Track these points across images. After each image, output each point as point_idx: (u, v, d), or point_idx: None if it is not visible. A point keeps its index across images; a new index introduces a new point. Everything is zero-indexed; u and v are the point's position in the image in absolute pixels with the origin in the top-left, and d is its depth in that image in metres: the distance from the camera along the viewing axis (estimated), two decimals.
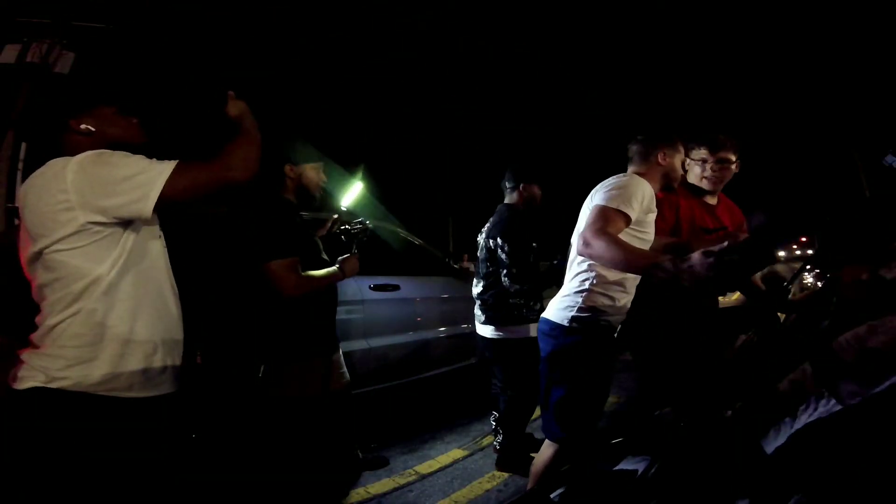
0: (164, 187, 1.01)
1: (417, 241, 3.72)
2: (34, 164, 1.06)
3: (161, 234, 1.17)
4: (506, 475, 2.37)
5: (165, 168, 1.03)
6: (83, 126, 1.08)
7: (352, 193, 2.02)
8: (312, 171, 1.70)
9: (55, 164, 1.00)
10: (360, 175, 2.02)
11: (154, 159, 1.05)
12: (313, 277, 1.56)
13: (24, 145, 3.85)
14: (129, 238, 1.04)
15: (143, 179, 1.01)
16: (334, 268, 1.66)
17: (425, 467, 2.50)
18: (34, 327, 1.03)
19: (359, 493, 2.24)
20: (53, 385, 0.95)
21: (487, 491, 2.25)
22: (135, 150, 1.09)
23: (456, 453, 2.65)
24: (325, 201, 1.94)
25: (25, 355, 1.00)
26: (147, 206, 1.01)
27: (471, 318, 2.68)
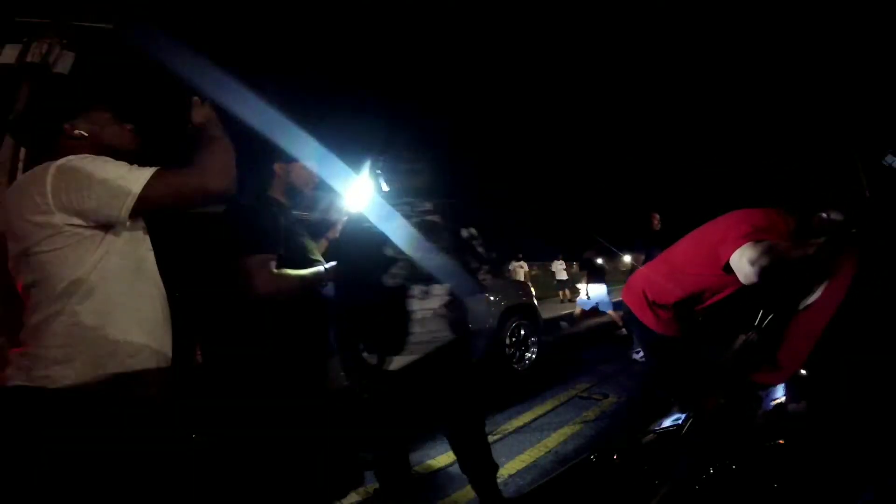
0: (140, 193, 1.03)
1: None
2: (33, 165, 1.08)
3: (147, 236, 1.17)
4: (505, 475, 2.37)
5: (143, 174, 1.04)
6: (77, 131, 1.09)
7: (359, 195, 1.96)
8: (303, 169, 1.65)
9: (38, 168, 1.02)
10: (368, 174, 1.96)
11: (135, 165, 1.07)
12: (287, 276, 1.46)
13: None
14: (110, 240, 1.05)
15: (120, 184, 1.02)
16: (316, 269, 1.57)
17: (425, 467, 2.50)
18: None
19: (359, 492, 2.24)
20: (35, 384, 0.96)
21: None
22: (126, 156, 1.10)
23: None
24: (333, 203, 1.91)
25: (13, 355, 1.01)
26: (122, 211, 1.02)
27: (475, 318, 2.64)
